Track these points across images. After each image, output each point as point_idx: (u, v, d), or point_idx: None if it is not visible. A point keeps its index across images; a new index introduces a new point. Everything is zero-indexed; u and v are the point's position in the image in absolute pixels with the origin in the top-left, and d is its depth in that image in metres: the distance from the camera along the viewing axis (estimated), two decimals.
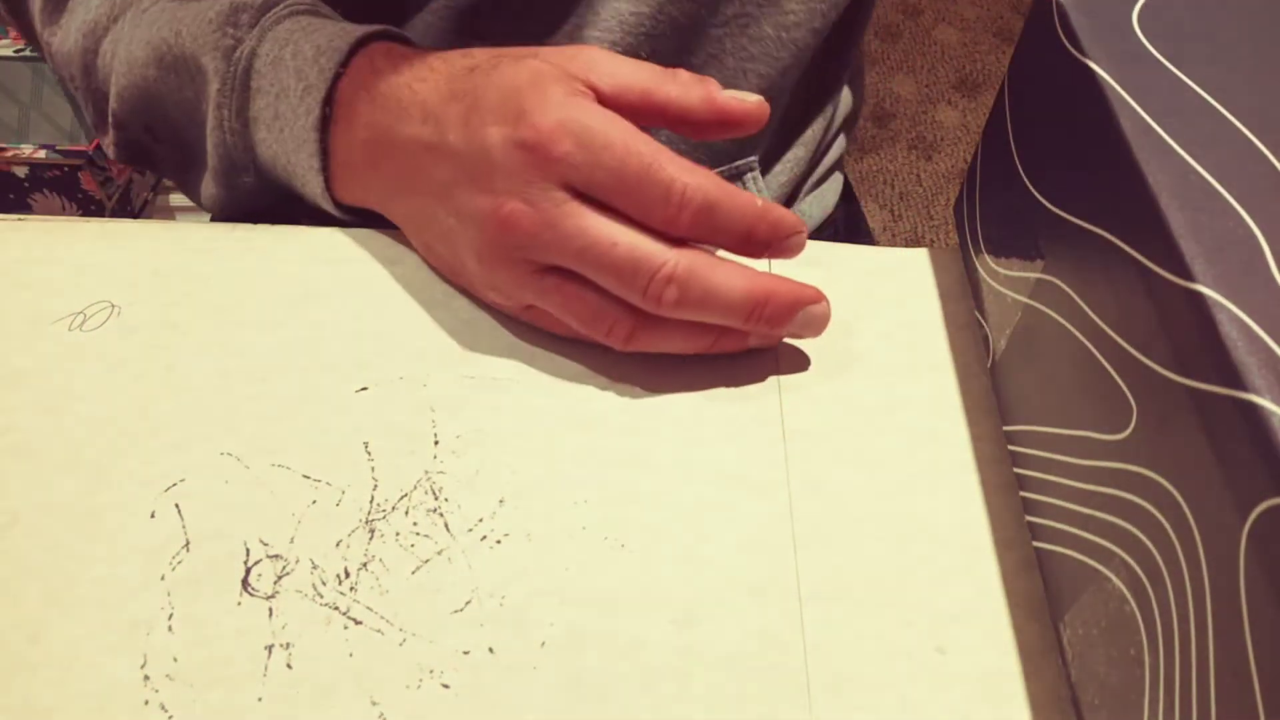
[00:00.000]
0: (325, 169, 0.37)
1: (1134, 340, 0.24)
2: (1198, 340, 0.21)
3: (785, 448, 0.33)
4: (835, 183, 0.61)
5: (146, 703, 0.27)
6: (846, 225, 0.63)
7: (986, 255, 0.35)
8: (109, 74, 0.42)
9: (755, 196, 0.33)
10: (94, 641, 0.28)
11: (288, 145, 0.38)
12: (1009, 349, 0.32)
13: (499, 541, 0.30)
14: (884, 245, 0.41)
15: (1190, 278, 0.21)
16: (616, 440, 0.33)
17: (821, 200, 0.59)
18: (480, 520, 0.31)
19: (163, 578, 0.29)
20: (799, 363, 0.36)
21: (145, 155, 0.45)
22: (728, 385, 0.35)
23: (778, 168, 0.53)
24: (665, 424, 0.33)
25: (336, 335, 0.36)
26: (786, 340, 0.36)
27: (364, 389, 0.34)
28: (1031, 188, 0.31)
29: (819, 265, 0.39)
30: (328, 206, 0.39)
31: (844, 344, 0.36)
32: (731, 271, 0.32)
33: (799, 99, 0.52)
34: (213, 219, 0.44)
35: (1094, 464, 0.26)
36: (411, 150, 0.34)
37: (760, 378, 0.35)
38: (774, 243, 0.33)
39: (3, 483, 0.31)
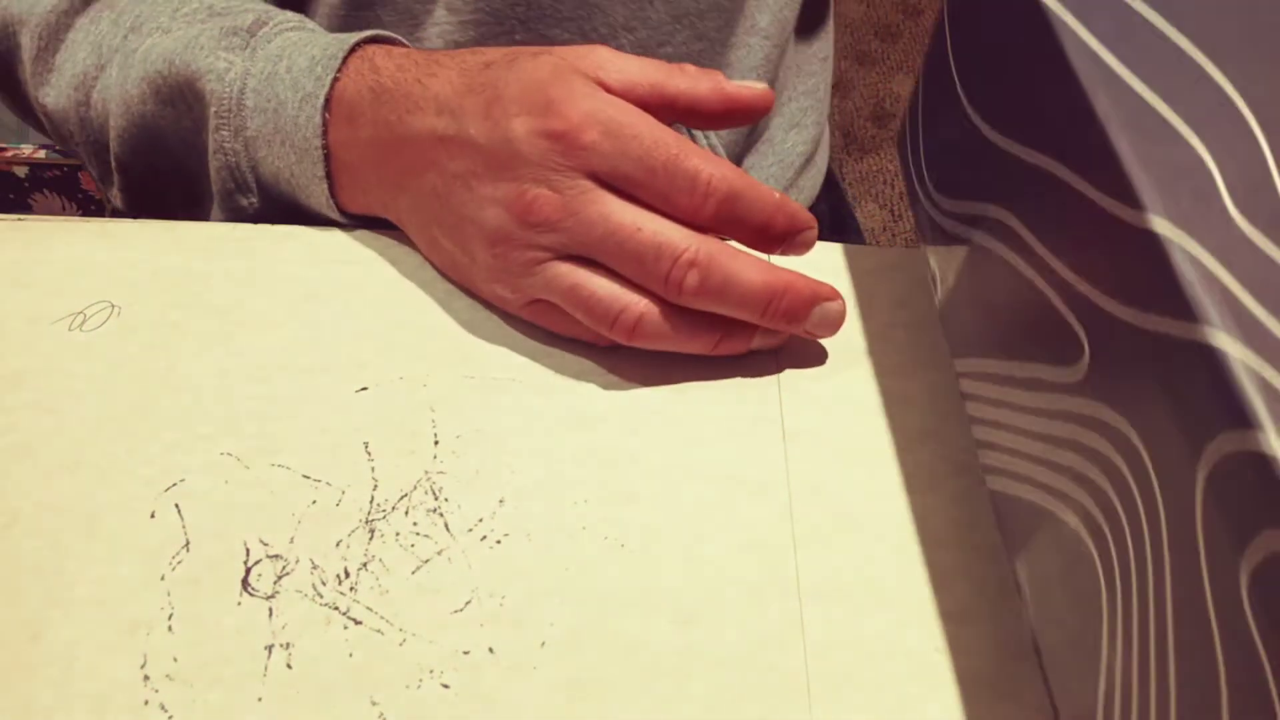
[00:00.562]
0: (329, 175, 0.37)
1: (1083, 273, 0.23)
2: (1150, 276, 0.20)
3: (785, 448, 0.33)
4: (815, 175, 0.60)
5: (146, 703, 0.27)
6: (833, 223, 0.63)
7: (932, 190, 0.34)
8: (104, 120, 0.42)
9: (773, 190, 0.33)
10: (94, 641, 0.28)
11: (289, 158, 0.38)
12: (957, 286, 0.32)
13: (499, 541, 0.30)
14: (884, 245, 0.42)
15: (1140, 209, 0.21)
16: (617, 440, 0.33)
17: (804, 190, 0.58)
18: (480, 520, 0.31)
19: (162, 578, 0.29)
20: (799, 363, 0.36)
21: (153, 197, 0.44)
22: (728, 385, 0.35)
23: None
24: (665, 424, 0.33)
25: (336, 335, 0.36)
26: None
27: (364, 389, 0.34)
28: (975, 117, 0.29)
29: (817, 265, 0.39)
30: (333, 215, 0.39)
31: (843, 343, 0.36)
32: (752, 262, 0.33)
33: (720, 26, 0.51)
34: None
35: (1045, 403, 0.25)
36: (424, 142, 0.34)
37: (760, 378, 0.35)
38: (789, 236, 0.34)
39: (2, 482, 0.31)
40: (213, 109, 0.38)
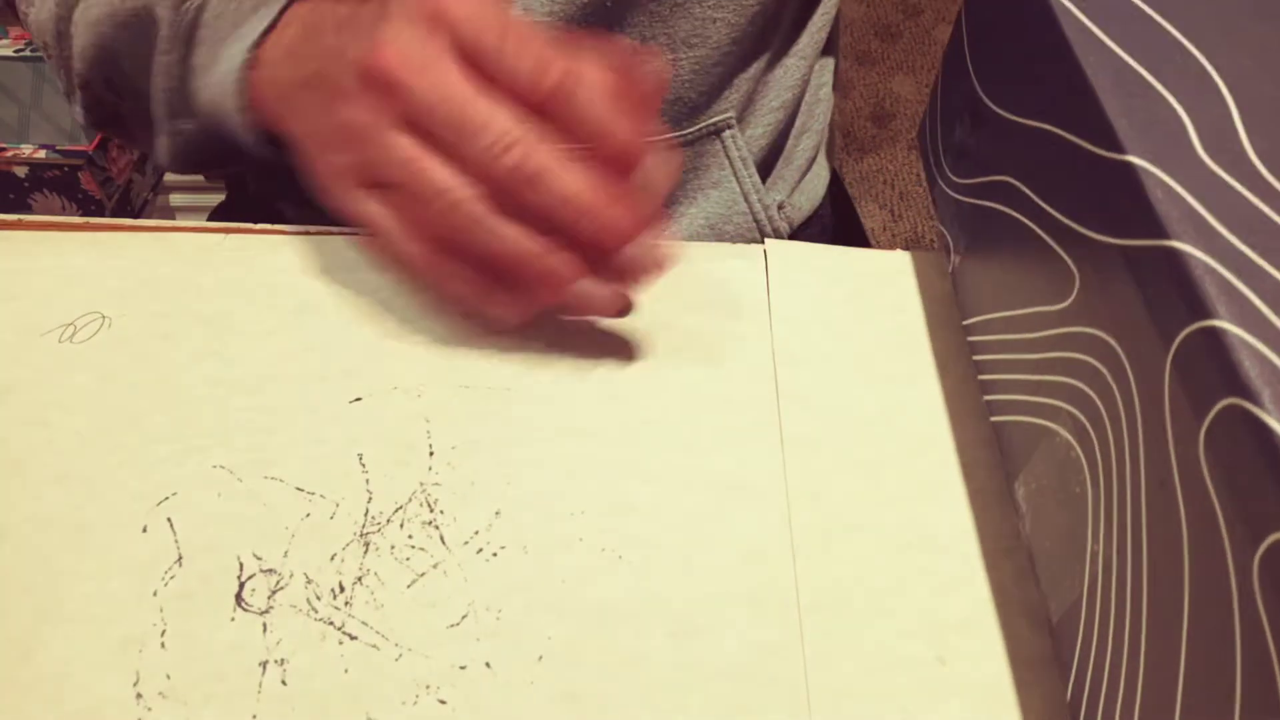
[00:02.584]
0: (243, 91, 0.37)
1: (1075, 215, 0.27)
2: (1129, 204, 0.24)
3: (783, 455, 0.33)
4: (821, 171, 0.60)
5: None
6: (837, 226, 0.63)
7: (948, 171, 0.38)
8: (71, 38, 0.44)
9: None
10: (86, 659, 0.27)
11: (212, 78, 0.38)
12: (968, 250, 0.35)
13: (495, 554, 0.30)
14: (884, 245, 0.41)
15: (1122, 151, 0.25)
16: (613, 450, 0.33)
17: (807, 192, 0.58)
18: (476, 533, 0.30)
19: (155, 593, 0.29)
20: (797, 370, 0.35)
21: (112, 116, 0.46)
22: (724, 394, 0.34)
23: (755, 127, 0.53)
24: (661, 433, 0.33)
25: (330, 345, 0.35)
26: (780, 348, 0.36)
27: (358, 400, 0.34)
28: (987, 100, 0.34)
29: (814, 269, 0.39)
30: (245, 134, 0.38)
31: (841, 350, 0.36)
32: (581, 171, 0.31)
33: (771, 48, 0.51)
34: (165, 167, 0.45)
35: (1041, 334, 0.29)
36: (330, 31, 0.35)
37: (757, 385, 0.35)
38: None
39: None
40: (163, 33, 0.40)
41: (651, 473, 0.32)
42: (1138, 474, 0.23)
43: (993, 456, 0.33)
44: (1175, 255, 0.22)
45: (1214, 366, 0.20)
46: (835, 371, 0.35)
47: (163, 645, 0.28)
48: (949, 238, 0.38)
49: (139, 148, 0.44)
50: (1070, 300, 0.27)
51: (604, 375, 0.35)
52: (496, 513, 0.31)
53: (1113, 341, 0.25)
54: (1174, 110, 0.26)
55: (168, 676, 0.27)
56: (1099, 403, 0.25)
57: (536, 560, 0.30)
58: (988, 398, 0.33)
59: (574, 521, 0.31)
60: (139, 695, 0.27)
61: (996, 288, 0.33)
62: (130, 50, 0.42)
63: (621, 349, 0.36)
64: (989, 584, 0.30)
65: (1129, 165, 0.24)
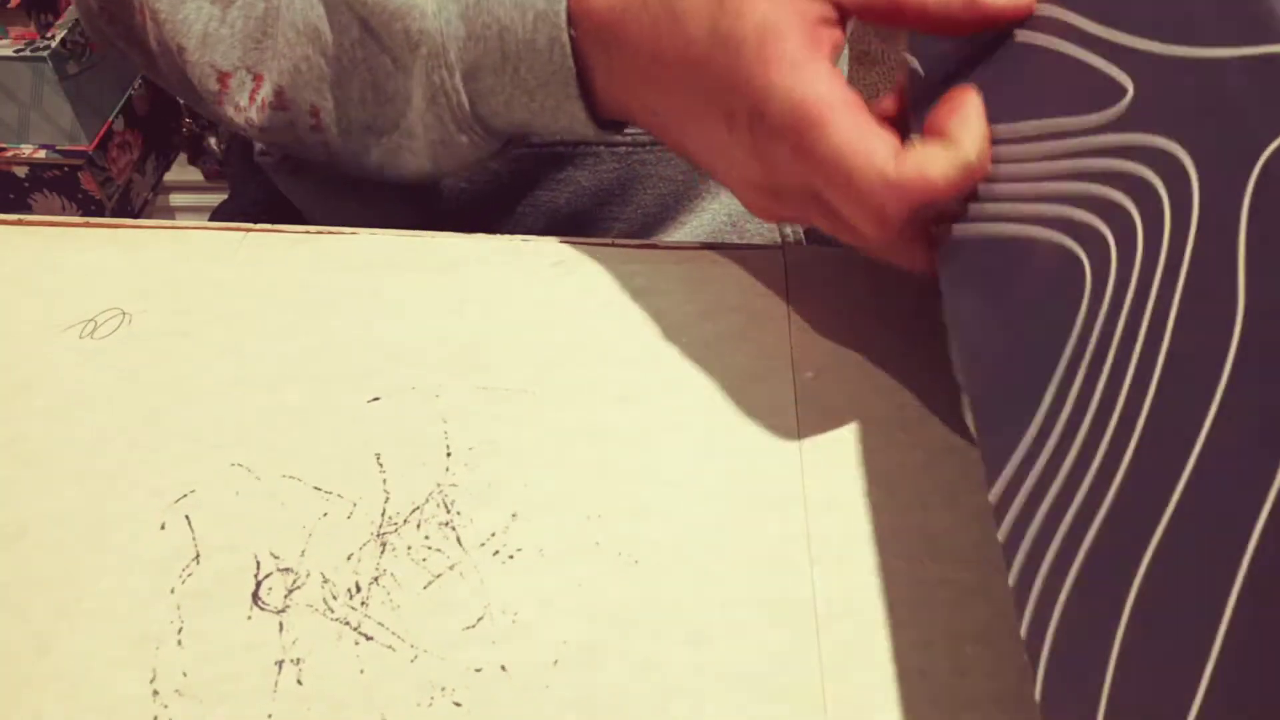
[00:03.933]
0: (585, 91, 0.36)
1: (1139, 32, 0.26)
2: (1221, 13, 0.23)
3: (801, 462, 0.33)
4: None
5: (155, 718, 0.26)
6: None
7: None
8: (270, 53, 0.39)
9: None
10: (103, 656, 0.28)
11: (527, 82, 0.36)
12: (944, 75, 0.33)
13: (511, 556, 0.30)
14: None
15: None
16: (630, 454, 0.33)
17: None
18: (493, 535, 0.30)
19: (172, 590, 0.29)
20: (815, 375, 0.35)
21: (295, 145, 0.42)
22: (743, 399, 0.34)
23: None
24: (679, 437, 0.33)
25: (348, 344, 0.35)
26: (799, 354, 0.36)
27: (376, 399, 0.34)
28: None
29: (833, 274, 0.39)
30: (589, 131, 0.37)
31: (861, 356, 0.36)
32: None
33: None
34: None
35: (1057, 144, 0.28)
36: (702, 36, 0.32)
37: (776, 391, 0.35)
38: None
39: (12, 492, 0.31)
40: (424, 50, 0.36)
41: (669, 477, 0.32)
42: (1169, 295, 0.22)
43: None
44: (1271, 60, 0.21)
45: None
46: (855, 378, 0.35)
47: (179, 643, 0.28)
48: (918, 64, 0.35)
49: (316, 156, 0.40)
50: (1119, 112, 0.26)
51: (622, 378, 0.35)
52: (514, 515, 0.31)
53: (1181, 154, 0.23)
54: None
55: (184, 674, 0.27)
56: (1137, 218, 0.24)
57: (553, 563, 0.30)
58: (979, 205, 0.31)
59: (591, 525, 0.31)
60: (155, 692, 0.27)
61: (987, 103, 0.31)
62: (368, 67, 0.38)
63: (640, 352, 0.36)
64: (1008, 596, 0.30)
65: None
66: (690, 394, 0.34)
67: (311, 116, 0.40)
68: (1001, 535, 0.25)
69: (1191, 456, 0.20)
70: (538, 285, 0.38)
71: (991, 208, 0.30)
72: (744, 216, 0.52)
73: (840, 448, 0.33)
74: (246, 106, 0.41)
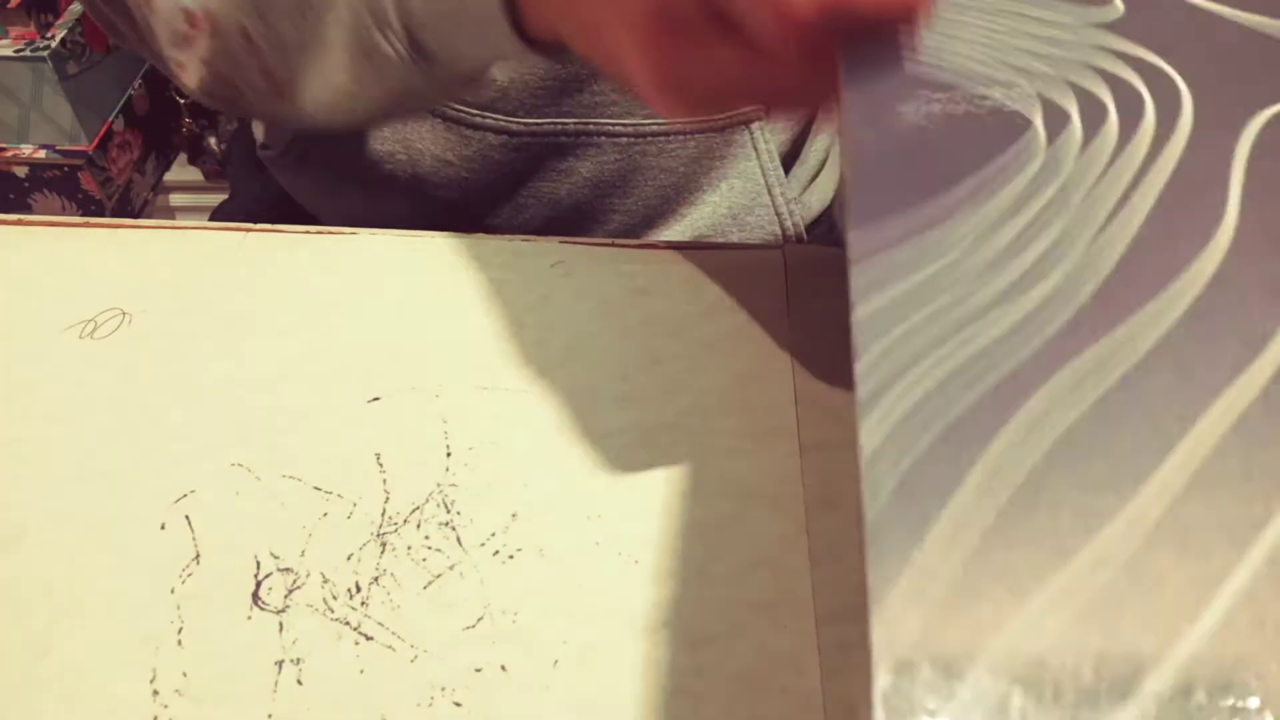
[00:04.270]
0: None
1: None
2: None
3: (801, 461, 0.33)
4: (831, 174, 0.60)
5: (155, 718, 0.26)
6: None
7: None
8: None
9: None
10: (103, 656, 0.28)
11: None
12: None
13: (511, 557, 0.30)
14: None
15: None
16: (630, 453, 0.33)
17: (818, 192, 0.58)
18: (492, 535, 0.30)
19: (172, 591, 0.29)
20: (815, 374, 0.35)
21: (234, 73, 0.40)
22: (743, 398, 0.34)
23: (778, 123, 0.52)
24: (679, 436, 0.33)
25: (348, 344, 0.35)
26: (799, 352, 0.36)
27: (376, 399, 0.34)
28: None
29: (833, 272, 0.39)
30: (511, 44, 0.34)
31: None
32: None
33: None
34: (322, 120, 0.40)
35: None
36: None
37: (775, 390, 0.35)
38: None
39: (12, 493, 0.31)
40: None
41: (669, 477, 0.32)
42: (1132, 193, 0.22)
43: None
44: None
45: None
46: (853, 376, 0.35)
47: (179, 643, 0.28)
48: None
49: (256, 101, 0.39)
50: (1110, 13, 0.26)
51: (621, 378, 0.35)
52: (513, 515, 0.31)
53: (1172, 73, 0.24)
54: None
55: (184, 674, 0.27)
56: (1112, 107, 0.24)
57: (553, 564, 0.30)
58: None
59: (590, 525, 0.31)
60: (155, 693, 0.27)
61: None
62: None
63: (640, 352, 0.36)
64: None
65: None
66: (689, 393, 0.34)
67: (243, 39, 0.39)
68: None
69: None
70: (538, 285, 0.38)
71: (933, 54, 0.27)
72: (745, 209, 0.52)
73: (840, 446, 0.33)
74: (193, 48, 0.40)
